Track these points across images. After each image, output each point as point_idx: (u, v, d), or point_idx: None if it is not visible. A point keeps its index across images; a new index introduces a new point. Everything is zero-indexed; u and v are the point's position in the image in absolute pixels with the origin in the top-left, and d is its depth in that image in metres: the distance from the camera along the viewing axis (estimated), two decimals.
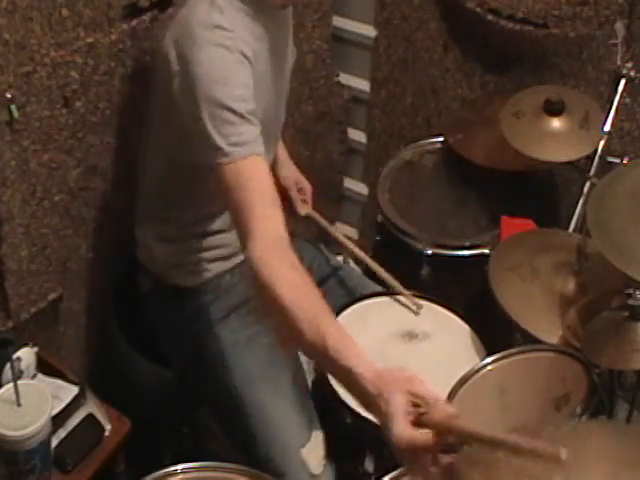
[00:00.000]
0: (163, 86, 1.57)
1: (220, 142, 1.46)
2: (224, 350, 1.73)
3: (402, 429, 1.18)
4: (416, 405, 1.20)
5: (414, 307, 1.84)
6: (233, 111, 1.47)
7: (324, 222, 2.07)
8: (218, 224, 1.77)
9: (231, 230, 1.79)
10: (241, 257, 1.82)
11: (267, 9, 1.60)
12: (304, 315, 1.31)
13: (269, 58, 1.64)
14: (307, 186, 2.07)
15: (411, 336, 1.77)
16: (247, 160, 1.47)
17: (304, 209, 2.05)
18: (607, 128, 1.92)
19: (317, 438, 1.65)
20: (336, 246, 2.10)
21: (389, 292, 1.88)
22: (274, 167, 1.97)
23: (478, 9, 2.17)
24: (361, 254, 2.01)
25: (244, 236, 1.44)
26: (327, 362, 1.29)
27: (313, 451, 1.63)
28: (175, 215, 1.75)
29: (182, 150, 1.63)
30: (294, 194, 2.04)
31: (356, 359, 1.26)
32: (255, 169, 1.48)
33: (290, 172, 2.06)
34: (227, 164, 1.46)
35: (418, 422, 1.20)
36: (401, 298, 1.87)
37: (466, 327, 1.80)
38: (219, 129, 1.46)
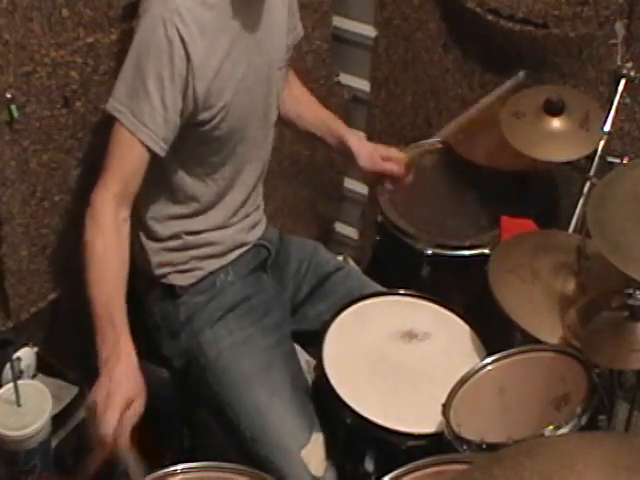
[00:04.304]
0: None
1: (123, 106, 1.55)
2: (220, 352, 1.73)
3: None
4: None
5: None
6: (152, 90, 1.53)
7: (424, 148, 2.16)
8: (208, 222, 1.77)
9: (222, 228, 1.79)
10: (235, 255, 1.83)
11: None
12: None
13: (235, 33, 1.62)
14: (383, 150, 2.01)
15: (411, 336, 1.77)
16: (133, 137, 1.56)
17: (406, 154, 2.04)
18: (607, 128, 1.92)
19: (317, 440, 1.64)
20: (336, 246, 2.10)
21: (389, 292, 1.88)
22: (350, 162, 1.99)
23: (478, 9, 2.17)
24: None
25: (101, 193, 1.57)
26: None
27: (314, 453, 1.62)
28: (163, 213, 1.74)
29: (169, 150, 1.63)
30: (389, 168, 1.99)
31: None
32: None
33: (367, 159, 1.98)
34: (120, 125, 1.56)
35: None
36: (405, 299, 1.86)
37: (466, 327, 1.80)
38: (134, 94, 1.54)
